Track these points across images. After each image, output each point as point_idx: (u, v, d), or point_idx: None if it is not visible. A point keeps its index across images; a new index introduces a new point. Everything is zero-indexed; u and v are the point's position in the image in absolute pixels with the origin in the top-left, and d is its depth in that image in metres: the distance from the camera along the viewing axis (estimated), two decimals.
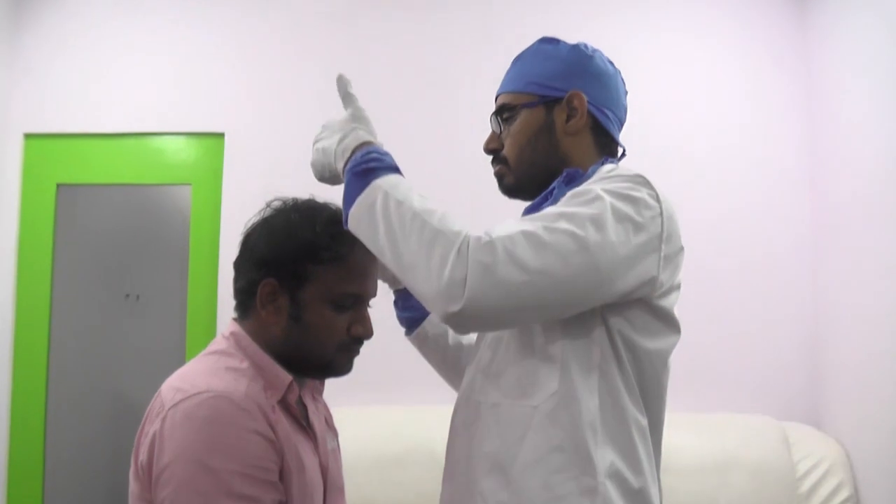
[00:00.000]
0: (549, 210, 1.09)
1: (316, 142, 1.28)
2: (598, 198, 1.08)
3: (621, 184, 1.11)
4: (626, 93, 1.33)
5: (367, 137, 1.20)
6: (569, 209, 1.07)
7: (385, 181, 1.13)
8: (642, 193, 1.10)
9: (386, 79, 3.06)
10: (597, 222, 1.05)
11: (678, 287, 1.19)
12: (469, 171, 2.50)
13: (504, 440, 1.15)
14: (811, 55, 2.92)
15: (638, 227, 1.08)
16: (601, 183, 1.12)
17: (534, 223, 1.05)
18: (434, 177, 2.95)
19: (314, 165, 1.27)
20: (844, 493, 2.51)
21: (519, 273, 1.01)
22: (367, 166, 1.15)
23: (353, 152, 1.18)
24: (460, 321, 1.04)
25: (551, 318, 1.12)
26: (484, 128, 1.36)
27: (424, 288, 1.05)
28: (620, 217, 1.07)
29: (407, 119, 3.01)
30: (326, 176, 1.26)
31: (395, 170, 1.16)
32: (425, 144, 3.00)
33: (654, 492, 1.16)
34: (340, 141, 1.21)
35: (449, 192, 2.93)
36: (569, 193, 1.12)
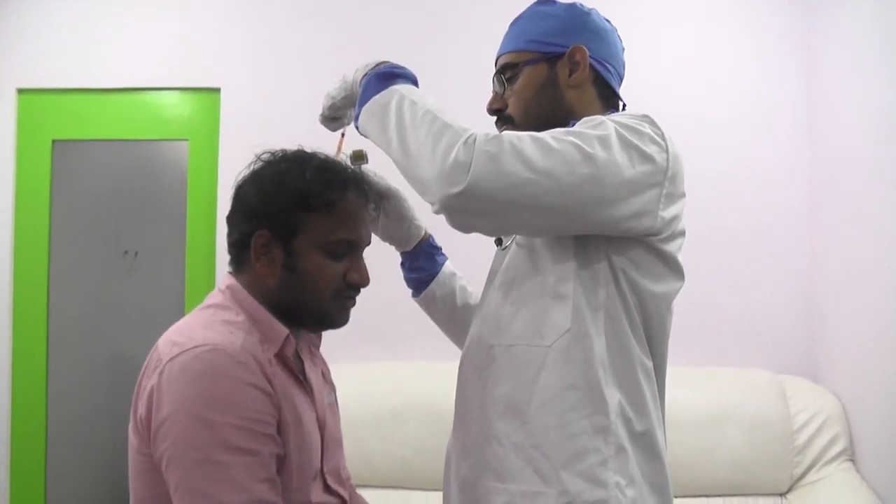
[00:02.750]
0: (557, 129, 1.11)
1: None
2: (604, 123, 1.11)
3: (628, 119, 1.14)
4: (624, 49, 1.35)
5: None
6: (576, 129, 1.10)
7: (404, 87, 1.18)
8: (648, 130, 1.12)
9: (385, 30, 3.02)
10: (604, 142, 1.07)
11: (682, 234, 1.20)
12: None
13: (518, 381, 1.16)
14: (811, 15, 2.87)
15: (644, 156, 1.09)
16: (610, 115, 1.16)
17: (542, 133, 1.08)
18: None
19: (328, 96, 1.35)
20: (840, 446, 2.53)
21: (523, 168, 1.03)
22: (389, 72, 1.21)
23: (377, 65, 1.24)
24: (459, 204, 1.05)
25: (547, 229, 1.15)
26: (486, 88, 1.35)
27: (427, 171, 1.07)
28: (626, 144, 1.09)
29: (407, 59, 2.98)
30: (338, 104, 1.34)
31: (417, 84, 1.23)
32: (429, 78, 2.95)
33: (659, 434, 1.18)
34: (347, 74, 1.31)
35: None
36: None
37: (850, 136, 2.57)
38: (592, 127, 1.10)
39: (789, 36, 2.92)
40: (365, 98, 1.20)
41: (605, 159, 1.06)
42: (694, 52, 2.95)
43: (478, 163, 1.02)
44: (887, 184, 2.30)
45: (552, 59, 1.27)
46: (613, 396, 1.12)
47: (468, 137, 1.05)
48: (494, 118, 1.34)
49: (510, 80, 1.30)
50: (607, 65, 1.29)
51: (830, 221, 2.74)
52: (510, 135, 1.06)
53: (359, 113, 1.20)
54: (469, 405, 1.25)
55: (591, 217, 1.08)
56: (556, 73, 1.27)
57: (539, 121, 1.26)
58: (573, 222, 1.10)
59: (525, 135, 1.06)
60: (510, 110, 1.30)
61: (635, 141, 1.09)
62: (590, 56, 1.26)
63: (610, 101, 1.31)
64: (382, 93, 1.17)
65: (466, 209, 1.06)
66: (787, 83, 2.92)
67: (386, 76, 1.20)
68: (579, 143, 1.06)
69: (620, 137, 1.09)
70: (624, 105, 1.36)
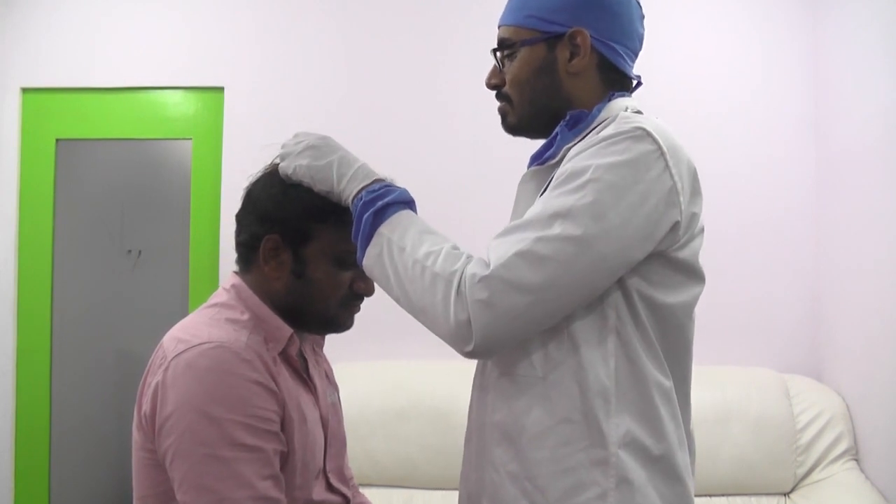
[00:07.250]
0: (542, 211, 1.03)
1: (287, 152, 1.23)
2: (592, 180, 1.01)
3: (618, 146, 1.03)
4: (643, 17, 1.24)
5: (374, 173, 1.17)
6: (563, 204, 1.01)
7: (388, 226, 1.10)
8: (642, 151, 1.03)
9: (388, 28, 3.02)
10: (595, 212, 1.00)
11: (700, 233, 1.13)
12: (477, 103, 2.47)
13: (512, 411, 1.12)
14: (818, 13, 2.87)
15: (644, 196, 1.01)
16: (598, 150, 1.04)
17: (526, 235, 1.01)
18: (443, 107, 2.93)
19: (300, 178, 1.21)
20: (844, 445, 2.52)
21: (521, 296, 0.99)
22: (374, 208, 1.11)
23: (360, 190, 1.14)
24: (479, 356, 1.06)
25: (574, 310, 1.08)
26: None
27: (437, 332, 1.06)
28: (621, 193, 1.01)
29: (411, 58, 2.99)
30: (317, 190, 1.21)
31: (402, 202, 1.13)
32: (432, 76, 2.99)
33: (679, 457, 1.13)
34: (342, 165, 1.18)
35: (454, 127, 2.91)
36: (563, 174, 1.05)
37: (856, 134, 2.56)
38: (580, 189, 1.01)
39: (796, 34, 2.91)
40: (357, 230, 1.13)
41: (599, 234, 0.99)
42: (700, 50, 2.95)
43: (476, 317, 0.99)
44: (893, 183, 2.30)
45: (551, 39, 1.16)
46: (619, 426, 1.07)
47: (458, 285, 1.01)
48: (494, 92, 1.25)
49: (507, 58, 1.21)
50: (616, 46, 1.17)
51: (835, 220, 2.73)
52: (497, 269, 0.99)
53: (361, 256, 1.13)
54: (472, 424, 1.23)
55: (612, 279, 1.04)
56: (556, 57, 1.17)
57: (535, 106, 1.20)
58: (598, 293, 1.05)
59: (511, 257, 1.00)
60: (507, 89, 1.21)
61: (631, 182, 1.01)
62: (594, 38, 1.15)
63: (617, 83, 1.20)
64: (373, 242, 1.10)
65: (490, 352, 1.05)
66: (794, 82, 2.91)
67: (373, 215, 1.11)
68: (569, 231, 0.99)
69: (615, 190, 1.00)
70: (639, 83, 1.25)
